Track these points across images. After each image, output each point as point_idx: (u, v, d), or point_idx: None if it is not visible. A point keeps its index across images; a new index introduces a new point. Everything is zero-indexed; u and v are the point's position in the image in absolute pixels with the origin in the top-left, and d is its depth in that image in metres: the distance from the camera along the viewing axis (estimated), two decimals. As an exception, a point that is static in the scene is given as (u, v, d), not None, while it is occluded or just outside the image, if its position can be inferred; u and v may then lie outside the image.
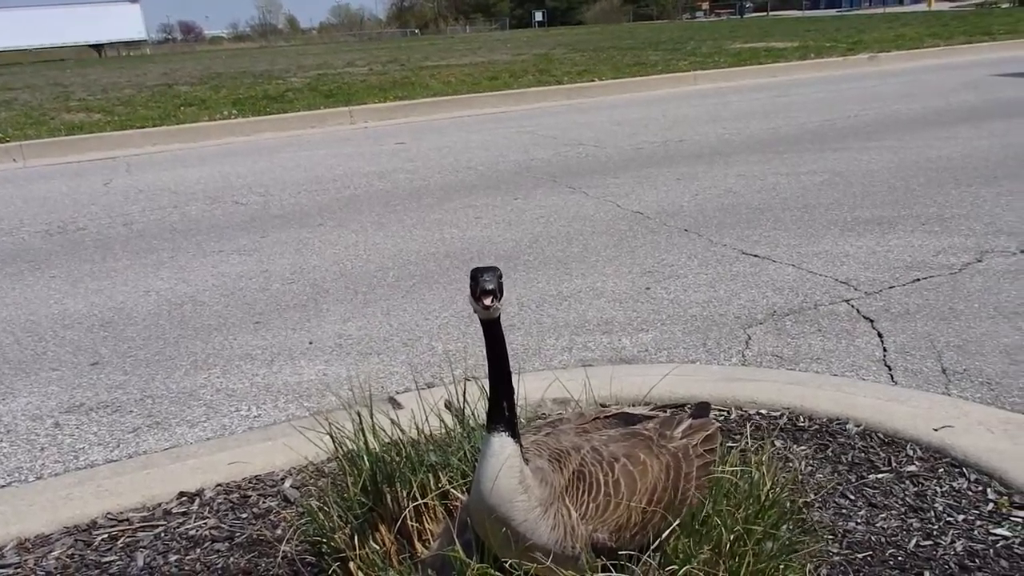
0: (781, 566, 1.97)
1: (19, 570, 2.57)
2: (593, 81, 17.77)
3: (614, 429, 2.13)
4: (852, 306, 4.74)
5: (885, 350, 4.14)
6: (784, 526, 2.09)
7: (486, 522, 1.90)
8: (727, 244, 6.03)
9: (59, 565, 2.59)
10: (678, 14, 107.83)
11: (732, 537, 1.89)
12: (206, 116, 15.00)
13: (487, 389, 2.02)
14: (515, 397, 1.91)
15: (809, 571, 2.23)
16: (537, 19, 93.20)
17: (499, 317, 1.88)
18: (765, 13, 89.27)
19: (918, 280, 5.08)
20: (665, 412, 2.27)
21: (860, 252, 5.67)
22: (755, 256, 5.73)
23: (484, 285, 1.80)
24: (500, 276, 1.83)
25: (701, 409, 2.29)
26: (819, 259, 5.58)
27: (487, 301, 1.79)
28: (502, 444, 1.87)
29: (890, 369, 3.93)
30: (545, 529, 1.88)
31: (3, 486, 3.38)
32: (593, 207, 7.40)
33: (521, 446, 1.91)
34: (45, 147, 12.80)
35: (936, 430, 2.95)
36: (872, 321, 4.50)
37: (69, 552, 2.64)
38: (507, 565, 1.89)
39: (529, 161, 9.89)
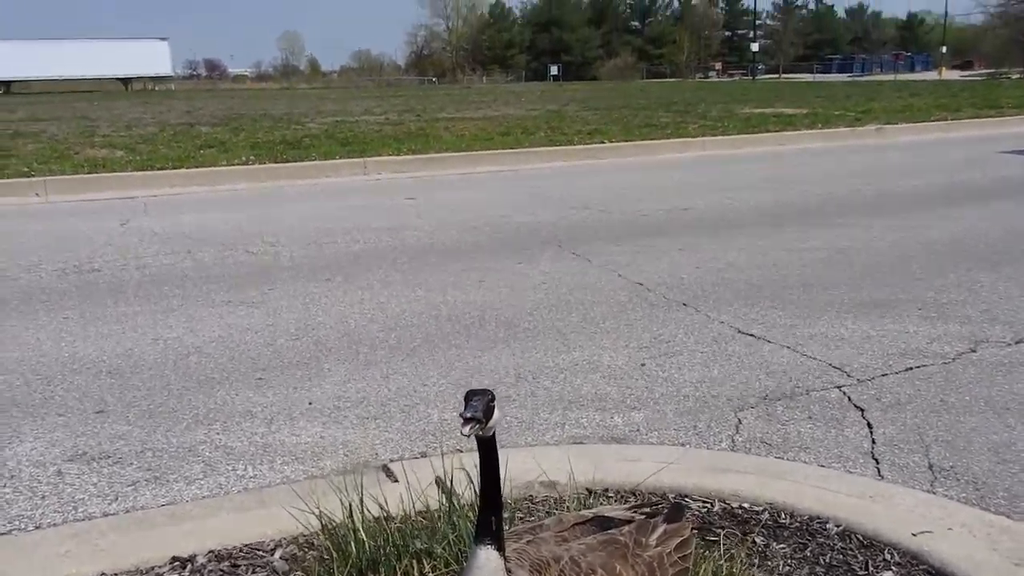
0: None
1: (15, 630, 2.65)
2: (603, 142, 18.05)
3: (591, 536, 2.24)
4: (844, 393, 4.82)
5: (874, 442, 4.20)
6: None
7: None
8: (724, 321, 6.14)
9: (54, 626, 2.67)
10: (691, 73, 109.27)
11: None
12: (225, 159, 15.28)
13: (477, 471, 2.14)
14: (503, 513, 2.02)
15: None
16: (552, 73, 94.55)
17: (493, 436, 2.01)
18: (777, 75, 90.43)
19: (911, 368, 5.16)
20: (641, 513, 2.37)
21: (855, 336, 5.76)
22: (751, 335, 5.83)
23: (465, 413, 1.93)
24: (491, 400, 1.95)
25: (676, 511, 2.38)
26: (815, 342, 5.67)
27: (465, 430, 1.93)
28: (488, 557, 2.01)
29: (877, 462, 3.99)
30: None
31: (3, 533, 3.47)
32: (595, 275, 7.53)
33: (505, 559, 2.04)
34: (67, 183, 13.05)
35: (915, 535, 3.02)
36: (863, 410, 4.57)
37: (64, 613, 2.73)
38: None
39: (535, 223, 10.06)
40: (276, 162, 15.11)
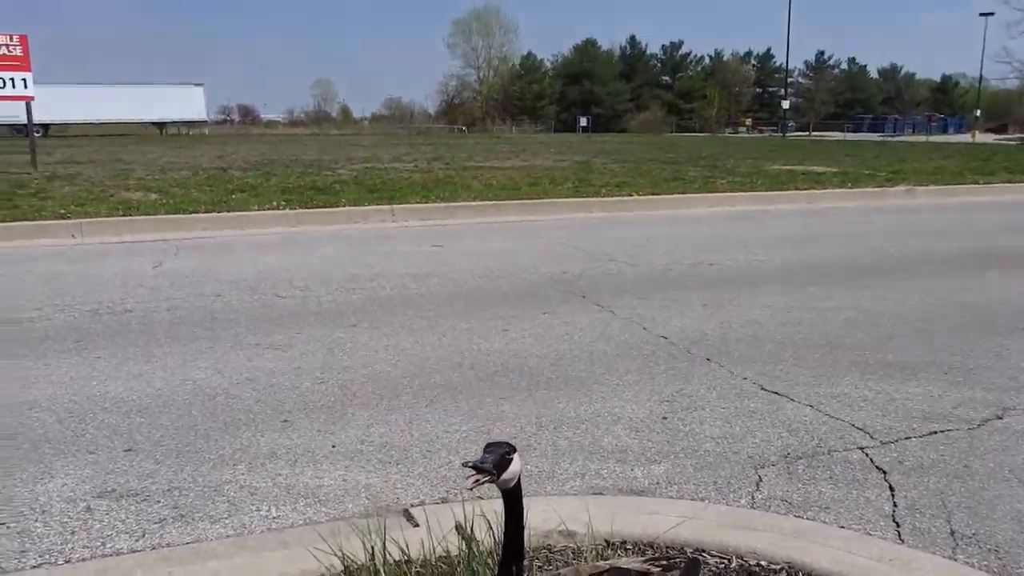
0: None
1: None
2: (631, 195, 18.18)
3: None
4: (866, 454, 4.81)
5: (895, 505, 4.19)
6: None
7: None
8: (747, 377, 6.16)
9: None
10: (720, 128, 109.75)
11: None
12: (255, 204, 15.55)
13: (497, 517, 2.21)
14: (524, 562, 2.08)
15: None
16: (582, 124, 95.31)
17: (519, 488, 2.08)
18: (807, 133, 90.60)
19: (935, 433, 5.14)
20: (657, 566, 2.41)
21: (879, 398, 5.76)
22: (774, 393, 5.84)
23: (477, 462, 2.01)
24: (507, 453, 2.03)
25: (692, 567, 2.42)
26: (837, 401, 5.67)
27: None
28: None
29: (898, 526, 3.98)
30: None
31: (35, 567, 3.55)
32: (619, 328, 7.58)
33: None
34: (102, 225, 13.33)
35: (930, 600, 3.02)
36: (885, 472, 4.56)
37: (91, 647, 2.80)
38: None
39: (561, 274, 10.15)
40: (306, 207, 15.36)
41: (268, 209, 15.13)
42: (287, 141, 54.41)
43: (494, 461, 2.05)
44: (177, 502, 4.19)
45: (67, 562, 3.61)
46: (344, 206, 15.60)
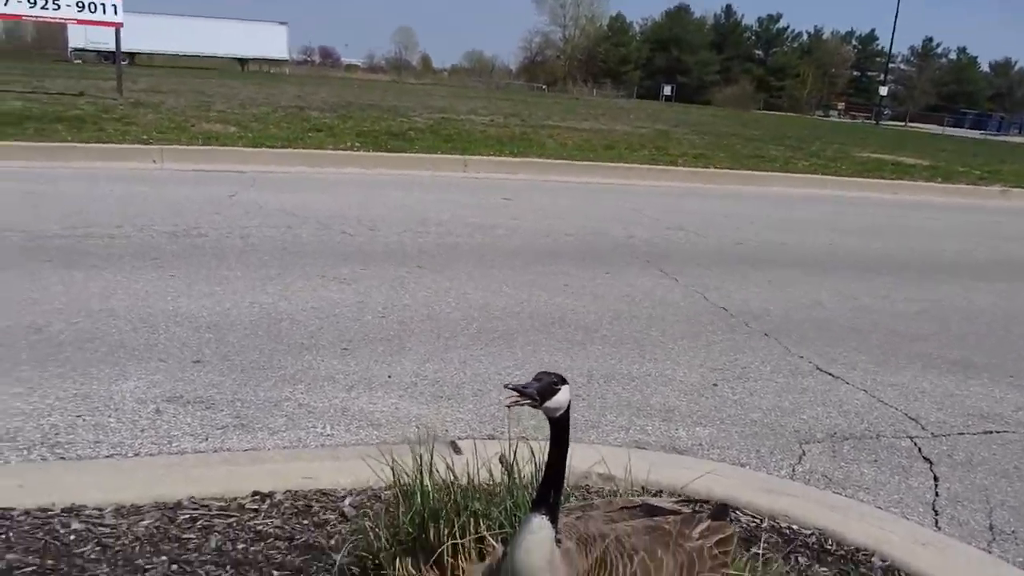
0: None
1: (114, 531, 2.96)
2: (708, 167, 17.98)
3: (638, 520, 2.38)
4: (915, 443, 4.81)
5: (937, 494, 4.20)
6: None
7: None
8: (804, 356, 6.16)
9: (147, 533, 2.98)
10: (811, 109, 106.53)
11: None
12: (331, 144, 15.81)
13: (541, 455, 2.33)
14: (562, 489, 2.19)
15: None
16: (665, 93, 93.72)
17: (566, 419, 2.19)
18: (903, 123, 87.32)
19: (990, 432, 5.09)
20: (688, 508, 2.50)
21: (937, 391, 5.70)
22: (829, 374, 5.84)
23: (520, 385, 2.12)
24: (555, 383, 2.12)
25: (720, 511, 2.51)
26: (894, 390, 5.64)
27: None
28: (541, 524, 2.19)
29: (936, 514, 4.00)
30: None
31: (108, 456, 3.81)
32: (680, 295, 7.61)
33: (557, 530, 2.21)
34: (182, 153, 13.71)
35: (959, 581, 3.06)
36: (931, 463, 4.56)
37: (156, 524, 3.04)
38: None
39: (628, 238, 10.17)
40: (380, 151, 15.56)
41: (343, 150, 15.37)
42: (365, 86, 54.79)
43: (539, 388, 2.15)
44: (239, 412, 4.41)
45: (136, 455, 3.85)
46: (417, 153, 15.76)
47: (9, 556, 2.79)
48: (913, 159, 25.04)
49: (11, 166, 11.93)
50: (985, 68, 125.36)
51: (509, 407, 2.14)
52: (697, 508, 2.52)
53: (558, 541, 2.22)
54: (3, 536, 2.90)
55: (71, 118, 15.95)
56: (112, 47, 22.03)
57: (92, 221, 8.63)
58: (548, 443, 2.35)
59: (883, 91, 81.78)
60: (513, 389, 2.13)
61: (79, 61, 60.97)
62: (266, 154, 14.30)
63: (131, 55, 62.33)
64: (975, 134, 71.11)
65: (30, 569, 2.74)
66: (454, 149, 16.54)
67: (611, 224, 11.06)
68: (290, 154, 14.49)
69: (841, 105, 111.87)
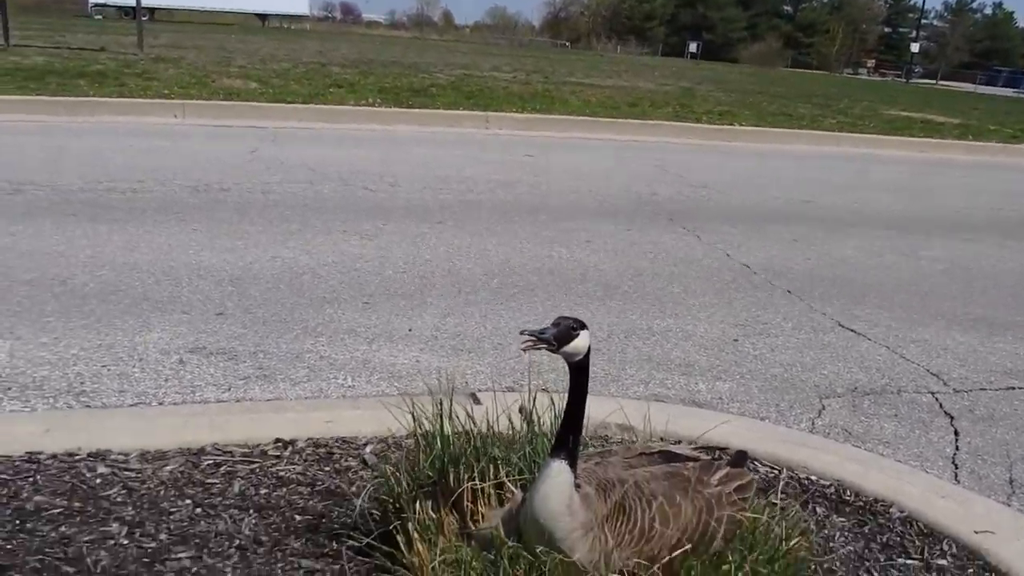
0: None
1: (139, 475, 3.02)
2: (733, 125, 17.78)
3: (657, 466, 2.40)
4: (936, 399, 4.79)
5: (957, 448, 4.20)
6: (796, 578, 2.30)
7: (532, 530, 2.21)
8: (826, 313, 6.13)
9: (171, 477, 3.03)
10: (840, 67, 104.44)
11: (740, 574, 2.12)
12: (352, 100, 15.76)
13: (561, 405, 2.34)
14: (581, 435, 2.20)
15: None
16: (690, 50, 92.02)
17: (585, 364, 2.18)
18: (934, 81, 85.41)
19: (1013, 388, 5.06)
20: (706, 454, 2.51)
21: (960, 348, 5.67)
22: (851, 331, 5.80)
23: (537, 332, 2.11)
24: (573, 328, 2.12)
25: (739, 457, 2.52)
26: (916, 346, 5.61)
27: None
28: (560, 469, 2.20)
29: (956, 468, 4.00)
30: (583, 549, 2.19)
31: (133, 405, 3.87)
32: (702, 252, 7.57)
33: (576, 475, 2.23)
34: (203, 108, 13.72)
35: (977, 532, 3.06)
36: (952, 418, 4.55)
37: (180, 469, 3.09)
38: (537, 550, 2.18)
39: (651, 195, 10.11)
40: (401, 107, 15.50)
41: (364, 106, 15.32)
42: (386, 42, 54.45)
43: (556, 333, 2.15)
44: (261, 363, 4.45)
45: (160, 404, 3.91)
46: (439, 109, 15.68)
47: (37, 498, 2.85)
48: (943, 117, 24.61)
49: (35, 120, 12.00)
50: (1022, 24, 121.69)
51: (524, 351, 2.14)
52: (716, 456, 2.53)
53: (577, 486, 2.24)
54: (31, 479, 2.96)
55: (93, 73, 15.99)
56: (132, 2, 22.00)
57: (115, 175, 8.68)
58: (567, 394, 2.36)
59: (914, 48, 79.82)
60: (529, 335, 2.13)
61: (99, 17, 60.88)
62: (287, 110, 14.29)
63: (151, 11, 62.11)
64: (1008, 92, 69.40)
65: (57, 511, 2.79)
66: (476, 106, 16.45)
67: (635, 181, 10.98)
68: (311, 110, 14.47)
69: (871, 63, 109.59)
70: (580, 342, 2.19)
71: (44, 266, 5.74)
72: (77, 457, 3.10)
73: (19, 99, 12.81)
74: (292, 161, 10.31)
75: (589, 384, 2.33)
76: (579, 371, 2.24)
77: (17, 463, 3.05)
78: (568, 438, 2.23)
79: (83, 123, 12.20)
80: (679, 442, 3.03)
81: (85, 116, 12.59)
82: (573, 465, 2.23)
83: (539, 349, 2.16)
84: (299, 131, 13.11)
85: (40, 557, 2.56)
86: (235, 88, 15.92)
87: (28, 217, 6.92)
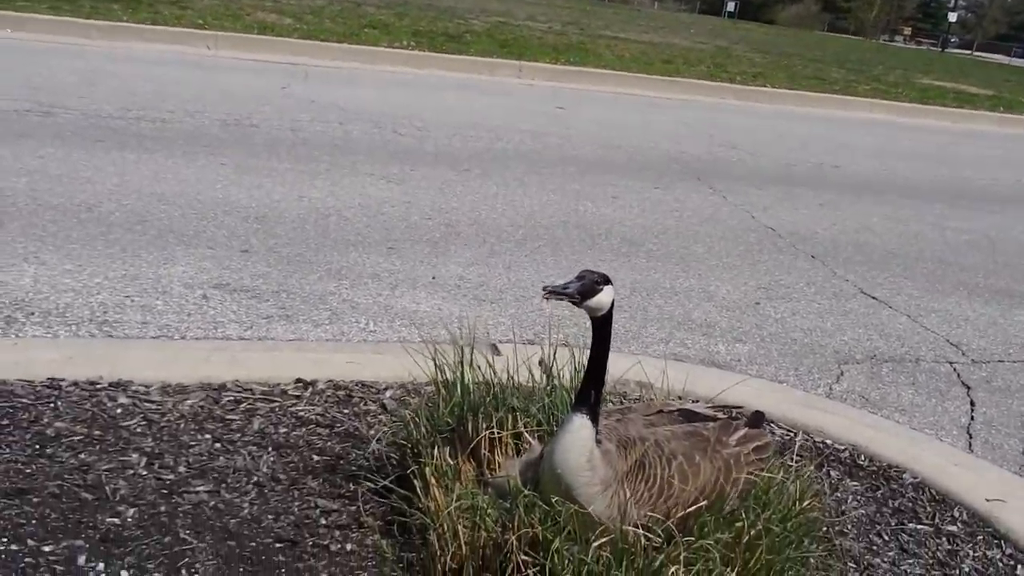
0: (788, 566, 2.21)
1: (160, 408, 3.06)
2: (765, 87, 17.52)
3: (677, 425, 2.41)
4: (954, 369, 4.79)
5: (972, 418, 4.21)
6: (807, 539, 2.32)
7: (551, 483, 2.23)
8: (849, 280, 6.09)
9: (191, 412, 3.07)
10: (876, 34, 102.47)
11: (752, 531, 2.14)
12: (386, 41, 15.61)
13: (580, 360, 2.35)
14: (603, 390, 2.20)
15: (821, 586, 2.46)
16: (728, 9, 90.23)
17: (608, 319, 2.18)
18: (969, 51, 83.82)
19: (1032, 361, 5.07)
20: (724, 414, 2.52)
21: (981, 320, 5.65)
22: (873, 298, 5.78)
23: (559, 286, 2.10)
24: (597, 282, 2.11)
25: (756, 418, 2.52)
26: (936, 316, 5.59)
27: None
28: (582, 424, 2.21)
29: (971, 437, 4.01)
30: (601, 504, 2.21)
31: (155, 337, 3.91)
32: (728, 213, 7.52)
33: (597, 430, 2.24)
34: (236, 41, 13.64)
35: (988, 500, 3.08)
36: (969, 388, 4.55)
37: (201, 404, 3.13)
38: (553, 500, 2.21)
39: (680, 153, 10.01)
40: (435, 52, 15.35)
41: (398, 48, 15.18)
42: (424, -14, 53.68)
43: (579, 287, 2.15)
44: (284, 303, 4.49)
45: (182, 338, 3.95)
46: (473, 56, 15.52)
47: (58, 424, 2.90)
48: (976, 88, 24.15)
49: (66, 42, 11.98)
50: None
51: (546, 299, 2.13)
52: (733, 416, 2.54)
53: (598, 442, 2.26)
54: (52, 405, 3.01)
55: (126, -2, 15.89)
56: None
57: (145, 104, 8.69)
58: (587, 349, 2.36)
59: (952, 17, 77.92)
60: (551, 291, 2.13)
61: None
62: (320, 48, 14.19)
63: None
64: (1041, 65, 67.79)
65: (77, 438, 2.84)
66: (510, 55, 16.26)
67: (664, 139, 10.88)
68: (344, 49, 14.35)
69: (907, 31, 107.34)
70: (603, 297, 2.18)
71: (71, 192, 5.78)
72: (99, 386, 3.14)
73: (52, 19, 12.79)
74: (323, 100, 10.26)
75: (611, 340, 2.33)
76: (602, 326, 2.24)
77: (39, 388, 3.10)
78: (590, 393, 2.24)
79: (115, 48, 12.18)
80: (697, 401, 3.04)
81: (118, 41, 12.58)
82: (595, 420, 2.24)
83: (561, 300, 2.16)
84: (331, 70, 13.03)
85: (59, 483, 2.61)
86: (269, 22, 15.80)
87: (58, 140, 6.95)
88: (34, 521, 2.45)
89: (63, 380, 3.15)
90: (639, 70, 17.02)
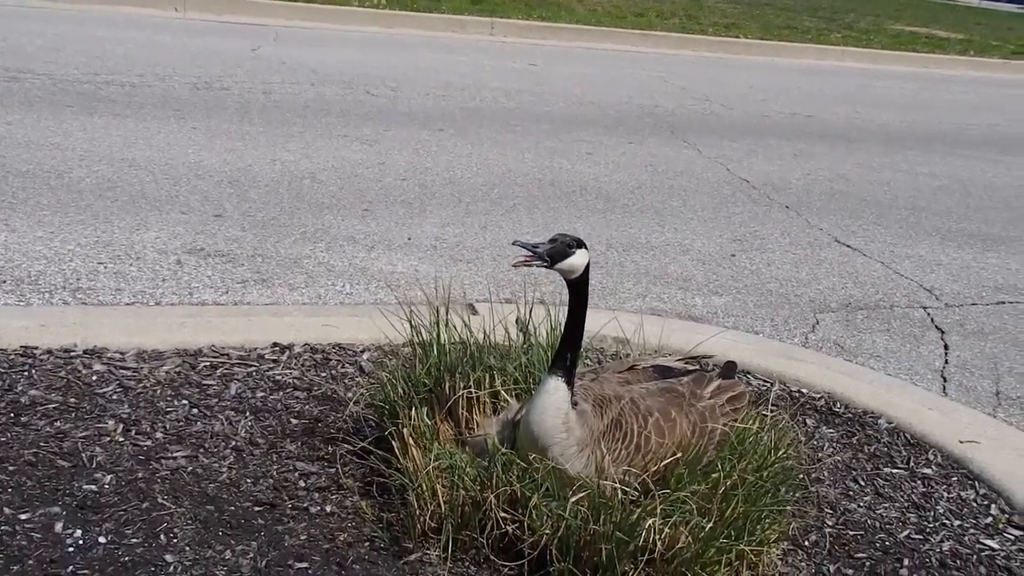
0: (765, 515, 2.25)
1: (136, 374, 3.05)
2: (738, 37, 17.42)
3: (652, 382, 2.44)
4: (928, 314, 4.84)
5: (946, 362, 4.27)
6: (783, 487, 2.35)
7: (528, 447, 2.25)
8: (823, 229, 6.12)
9: (167, 378, 3.06)
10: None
11: (728, 482, 2.17)
12: (357, 1, 15.36)
13: (557, 317, 2.35)
14: (579, 352, 2.22)
15: (798, 532, 2.50)
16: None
17: (584, 281, 2.18)
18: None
19: (1003, 303, 5.14)
20: (697, 366, 2.54)
21: (954, 264, 5.71)
22: (847, 246, 5.82)
23: (530, 244, 2.10)
24: (570, 245, 2.11)
25: (729, 368, 2.55)
26: (910, 262, 5.64)
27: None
28: (556, 386, 2.22)
29: (945, 381, 4.07)
30: (579, 465, 2.24)
31: (129, 303, 3.88)
32: (703, 166, 7.51)
33: (573, 392, 2.25)
34: (205, 2, 13.35)
35: (962, 442, 3.13)
36: (943, 332, 4.61)
37: (177, 369, 3.12)
38: (530, 457, 2.23)
39: (653, 107, 9.97)
40: (406, 11, 15.13)
41: (369, 7, 14.95)
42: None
43: (550, 249, 2.15)
44: (259, 267, 4.46)
45: (157, 304, 3.93)
46: (444, 14, 15.32)
47: (32, 392, 2.88)
48: (947, 32, 24.13)
49: (32, 6, 11.70)
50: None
51: (515, 267, 2.14)
52: (706, 366, 2.56)
53: (574, 403, 2.28)
54: (26, 373, 2.99)
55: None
56: None
57: (113, 68, 8.54)
58: (564, 307, 2.37)
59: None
60: (522, 246, 2.13)
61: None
62: (290, 8, 13.94)
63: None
64: (1012, 7, 67.80)
65: (53, 406, 2.83)
66: (481, 11, 16.04)
67: (638, 93, 10.81)
68: (314, 10, 14.11)
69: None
70: (576, 260, 2.18)
71: (40, 158, 5.69)
72: (73, 354, 3.12)
73: (16, -17, 12.47)
74: (294, 62, 10.11)
75: (588, 296, 2.34)
76: (577, 289, 2.24)
77: (12, 357, 3.07)
78: (566, 356, 2.25)
79: (82, 11, 11.91)
80: (670, 355, 3.06)
81: (83, 4, 12.28)
82: (570, 383, 2.26)
83: (531, 266, 2.16)
84: (302, 31, 12.82)
85: (35, 451, 2.61)
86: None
87: (25, 106, 6.83)
88: (10, 489, 2.44)
89: (37, 348, 3.13)
90: (611, 24, 16.87)
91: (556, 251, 2.17)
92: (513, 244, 2.17)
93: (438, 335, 2.67)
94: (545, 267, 2.19)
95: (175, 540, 2.34)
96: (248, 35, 11.71)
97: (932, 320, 4.75)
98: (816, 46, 17.76)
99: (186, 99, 7.73)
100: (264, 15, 13.38)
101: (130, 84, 7.98)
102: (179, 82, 8.31)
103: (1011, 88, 16.09)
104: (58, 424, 2.75)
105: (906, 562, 2.56)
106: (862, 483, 2.92)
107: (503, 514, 2.18)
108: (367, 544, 2.41)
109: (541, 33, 15.24)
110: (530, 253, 2.17)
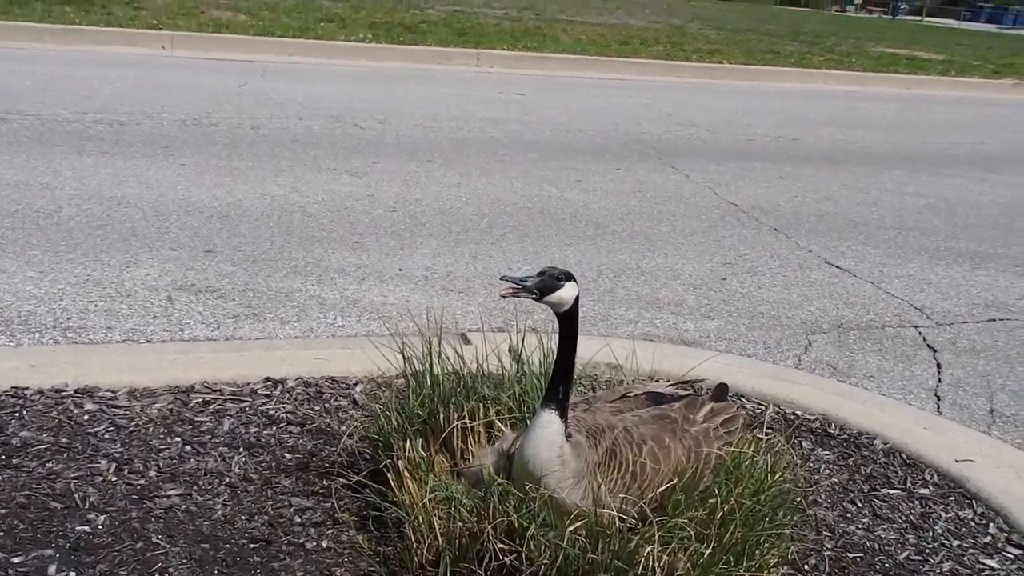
0: (763, 539, 2.24)
1: (128, 412, 3.03)
2: (722, 63, 17.60)
3: (644, 409, 2.43)
4: (919, 333, 4.85)
5: (939, 381, 4.27)
6: (781, 511, 2.34)
7: (524, 481, 2.24)
8: (812, 250, 6.15)
9: (160, 415, 3.04)
10: (828, 4, 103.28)
11: (726, 507, 2.16)
12: (343, 35, 15.49)
13: (549, 345, 2.34)
14: (572, 384, 2.23)
15: (797, 556, 2.49)
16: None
17: (574, 313, 2.19)
18: (920, 18, 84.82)
19: (993, 320, 5.15)
20: (690, 390, 2.54)
21: (943, 282, 5.73)
22: (837, 267, 5.84)
23: (518, 279, 2.11)
24: (558, 279, 2.12)
25: (720, 391, 2.55)
26: (900, 281, 5.67)
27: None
28: (550, 419, 2.22)
29: (939, 399, 4.07)
30: (576, 497, 2.24)
31: (120, 341, 3.87)
32: (691, 190, 7.56)
33: (567, 424, 2.25)
34: (192, 40, 13.47)
35: (958, 461, 3.13)
36: (935, 351, 4.62)
37: (169, 406, 3.10)
38: (527, 487, 2.21)
39: (640, 134, 10.03)
40: (392, 43, 15.25)
41: (355, 41, 15.07)
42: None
43: (538, 283, 2.15)
44: (251, 302, 4.45)
45: (148, 341, 3.91)
46: (430, 46, 15.44)
47: (23, 434, 2.86)
48: (927, 54, 24.43)
49: (19, 47, 11.78)
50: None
51: (504, 296, 2.14)
52: (698, 390, 2.56)
53: (568, 435, 2.27)
54: (17, 414, 2.96)
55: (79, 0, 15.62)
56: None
57: (102, 107, 8.57)
58: (556, 334, 2.36)
59: (901, -16, 78.84)
60: (510, 280, 2.13)
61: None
62: (277, 44, 14.08)
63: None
64: (991, 28, 68.93)
65: (44, 447, 2.80)
66: (467, 43, 16.18)
67: (624, 120, 10.89)
68: (301, 44, 14.25)
69: (858, 0, 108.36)
70: (565, 293, 2.19)
71: (30, 198, 5.69)
72: (64, 393, 3.10)
73: (2, 24, 12.60)
74: (282, 96, 10.17)
75: (580, 323, 2.33)
76: (568, 321, 2.25)
77: (2, 398, 3.05)
78: (559, 388, 2.25)
79: (69, 52, 12.01)
80: (659, 381, 3.06)
81: (72, 45, 12.42)
82: (563, 415, 2.26)
83: (520, 297, 2.17)
84: (289, 66, 12.90)
85: (27, 492, 2.58)
86: (224, 20, 15.61)
87: (14, 147, 6.85)
88: (2, 532, 2.42)
89: (27, 388, 3.11)
90: (596, 53, 17.04)
91: (544, 284, 2.18)
92: (501, 280, 2.18)
93: (431, 366, 2.67)
94: (534, 299, 2.19)
95: (170, 580, 2.31)
96: (236, 71, 11.79)
97: (924, 339, 4.76)
98: (799, 70, 17.98)
99: (175, 136, 7.75)
100: (251, 51, 13.48)
101: (118, 122, 8.01)
102: (167, 119, 8.34)
103: (992, 107, 16.26)
104: (50, 465, 2.72)
105: (907, 584, 2.55)
106: (860, 505, 2.92)
107: (501, 545, 2.16)
108: (364, 579, 2.39)
109: (527, 63, 15.37)
110: (513, 281, 2.18)
